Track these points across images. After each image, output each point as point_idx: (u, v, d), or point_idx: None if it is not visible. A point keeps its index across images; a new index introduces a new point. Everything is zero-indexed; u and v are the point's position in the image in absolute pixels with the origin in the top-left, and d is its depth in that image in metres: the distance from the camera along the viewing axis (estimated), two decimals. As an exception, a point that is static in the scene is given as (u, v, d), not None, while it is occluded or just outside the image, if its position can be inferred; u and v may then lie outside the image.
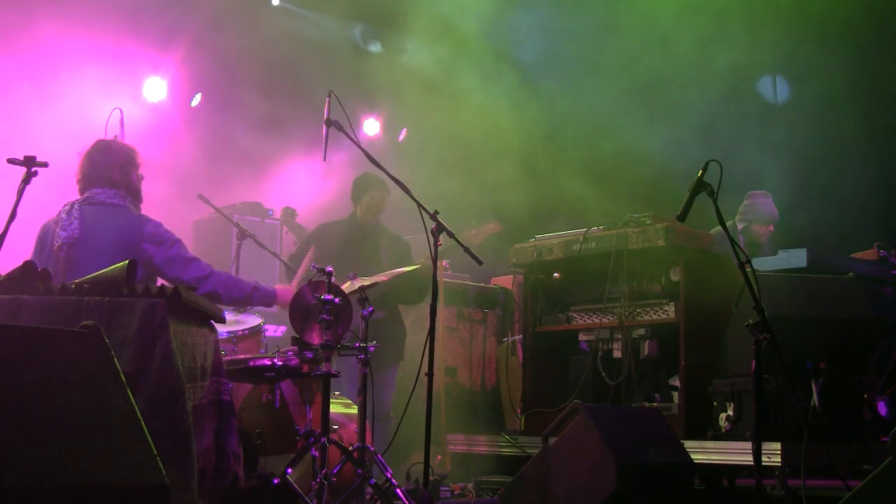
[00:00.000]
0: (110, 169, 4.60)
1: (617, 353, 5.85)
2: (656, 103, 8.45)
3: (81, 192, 4.63)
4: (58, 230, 4.50)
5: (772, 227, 7.10)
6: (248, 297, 4.80)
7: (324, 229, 6.68)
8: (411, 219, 4.90)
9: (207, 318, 3.96)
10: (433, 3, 8.36)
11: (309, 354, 4.69)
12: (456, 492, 5.79)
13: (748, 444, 4.88)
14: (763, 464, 4.07)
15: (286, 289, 5.00)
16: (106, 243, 4.43)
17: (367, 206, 6.55)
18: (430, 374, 4.53)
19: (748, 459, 4.75)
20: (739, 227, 7.09)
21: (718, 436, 5.24)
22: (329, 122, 4.79)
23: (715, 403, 5.32)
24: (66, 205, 4.60)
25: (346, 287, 5.11)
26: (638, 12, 8.24)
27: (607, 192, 7.99)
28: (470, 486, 5.90)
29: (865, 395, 5.39)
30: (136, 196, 4.69)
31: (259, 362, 4.67)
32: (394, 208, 6.60)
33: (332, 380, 4.63)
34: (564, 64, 8.62)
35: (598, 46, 8.27)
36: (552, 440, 4.68)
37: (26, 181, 4.04)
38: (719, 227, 6.41)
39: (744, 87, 8.73)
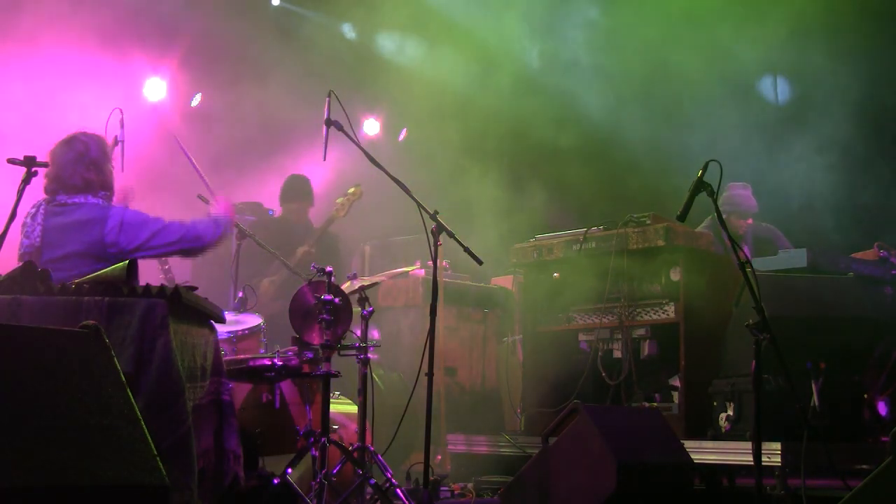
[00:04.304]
0: (86, 170, 4.36)
1: (617, 353, 5.85)
2: (657, 102, 8.45)
3: (50, 192, 4.37)
4: (22, 238, 4.32)
5: (750, 220, 7.04)
6: (214, 224, 4.57)
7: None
8: (411, 219, 4.90)
9: (207, 318, 3.96)
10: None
11: (309, 354, 4.69)
12: (456, 492, 5.79)
13: (748, 444, 4.88)
14: (763, 464, 4.07)
15: (224, 204, 4.88)
16: (67, 250, 4.23)
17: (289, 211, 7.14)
18: (430, 374, 4.53)
19: (748, 459, 4.75)
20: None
21: (718, 436, 5.25)
22: (329, 122, 4.80)
23: (715, 403, 5.32)
24: (32, 207, 4.37)
25: (346, 287, 5.11)
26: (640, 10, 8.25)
27: (608, 191, 8.00)
28: (470, 486, 5.90)
29: (865, 395, 5.39)
30: (108, 189, 4.44)
31: (259, 362, 4.67)
32: (394, 208, 6.62)
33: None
34: (565, 61, 8.61)
35: (598, 44, 8.27)
36: (552, 440, 4.68)
37: (26, 181, 4.04)
38: (707, 221, 6.44)
39: (745, 86, 8.71)
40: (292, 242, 6.68)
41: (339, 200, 6.82)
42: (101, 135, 4.58)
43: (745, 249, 6.96)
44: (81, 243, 4.25)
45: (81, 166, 4.37)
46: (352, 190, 6.82)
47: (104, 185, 4.43)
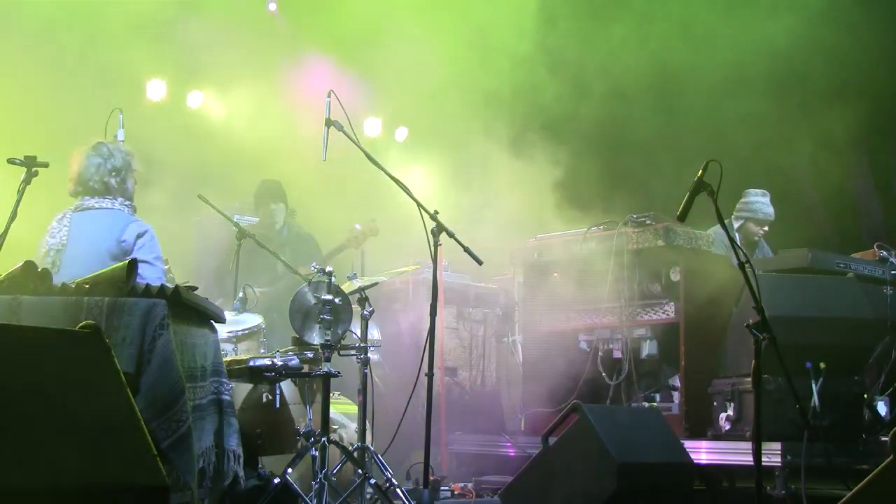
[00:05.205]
0: (107, 175, 4.57)
1: (617, 353, 5.85)
2: (661, 98, 8.44)
3: (73, 195, 4.59)
4: (47, 237, 4.50)
5: (766, 228, 7.06)
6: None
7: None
8: (411, 219, 4.90)
9: (207, 318, 3.96)
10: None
11: (309, 354, 4.69)
12: (456, 492, 5.79)
13: (748, 444, 4.89)
14: (763, 464, 4.06)
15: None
16: (89, 247, 4.40)
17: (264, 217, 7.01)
18: (430, 375, 4.54)
19: (748, 459, 4.75)
20: (735, 224, 7.05)
21: (718, 436, 5.25)
22: (329, 122, 4.80)
23: (715, 403, 5.32)
24: (59, 213, 4.58)
25: (346, 287, 5.11)
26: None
27: (611, 189, 7.99)
28: (470, 486, 5.90)
29: (865, 395, 5.39)
30: (129, 199, 4.66)
31: (259, 362, 4.67)
32: (394, 208, 6.62)
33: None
34: (569, 53, 8.58)
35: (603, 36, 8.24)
36: (552, 440, 4.68)
37: (27, 181, 4.05)
38: (717, 227, 6.43)
39: (744, 82, 8.69)
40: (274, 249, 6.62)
41: (355, 232, 6.77)
42: (129, 149, 4.75)
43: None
44: (104, 241, 4.41)
45: (104, 171, 4.57)
46: (369, 225, 6.79)
47: (124, 195, 4.61)
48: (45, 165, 4.20)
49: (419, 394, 5.27)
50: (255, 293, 6.38)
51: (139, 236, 4.46)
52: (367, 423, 4.94)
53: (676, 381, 5.69)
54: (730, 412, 5.17)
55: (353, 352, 4.87)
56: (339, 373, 4.66)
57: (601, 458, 4.37)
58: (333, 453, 4.66)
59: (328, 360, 4.58)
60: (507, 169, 8.43)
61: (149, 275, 4.37)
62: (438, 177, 8.36)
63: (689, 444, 4.98)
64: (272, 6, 9.27)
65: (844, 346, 5.24)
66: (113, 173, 4.59)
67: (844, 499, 3.51)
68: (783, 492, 4.82)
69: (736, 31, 8.08)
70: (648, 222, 5.75)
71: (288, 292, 6.18)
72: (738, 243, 5.57)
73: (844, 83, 7.96)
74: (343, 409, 5.47)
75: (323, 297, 4.58)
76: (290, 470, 4.45)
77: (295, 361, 4.63)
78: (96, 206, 4.54)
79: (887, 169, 7.97)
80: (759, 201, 6.96)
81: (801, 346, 5.02)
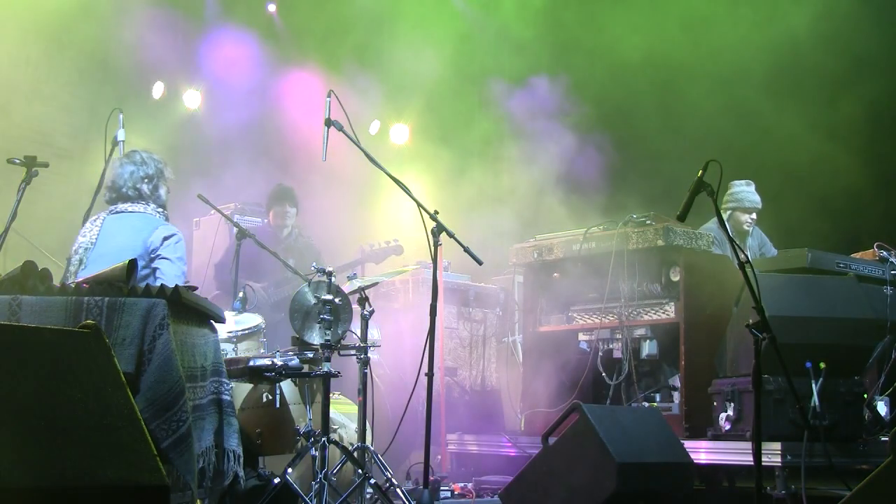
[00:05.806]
0: (140, 182, 4.70)
1: (617, 353, 5.85)
2: (660, 100, 8.43)
3: (108, 201, 4.73)
4: (78, 236, 4.61)
5: (755, 215, 7.07)
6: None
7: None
8: (411, 219, 4.91)
9: (207, 318, 3.96)
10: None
11: (309, 354, 4.69)
12: (456, 492, 5.79)
13: (748, 444, 4.88)
14: (763, 464, 4.06)
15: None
16: (116, 247, 4.49)
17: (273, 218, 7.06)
18: (429, 375, 4.54)
19: (748, 459, 4.75)
20: (724, 216, 7.04)
21: (718, 436, 5.25)
22: (329, 122, 4.80)
23: (715, 403, 5.32)
24: (93, 216, 4.71)
25: (346, 287, 5.11)
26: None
27: (612, 189, 7.99)
28: (470, 486, 5.90)
29: (865, 395, 5.39)
30: (161, 207, 4.79)
31: (259, 362, 4.67)
32: (394, 208, 6.63)
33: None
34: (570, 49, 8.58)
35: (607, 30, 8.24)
36: (552, 440, 4.68)
37: (27, 181, 4.05)
38: (708, 224, 6.44)
39: (743, 81, 8.70)
40: (277, 250, 6.63)
41: (374, 249, 6.82)
42: (161, 158, 4.86)
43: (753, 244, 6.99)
44: (130, 242, 4.51)
45: (136, 178, 4.70)
46: (391, 244, 6.84)
47: (157, 201, 4.74)
48: (46, 165, 4.21)
49: (419, 394, 5.27)
50: (263, 291, 6.40)
51: (165, 238, 4.56)
52: (367, 423, 4.94)
53: (676, 381, 5.69)
54: (730, 412, 5.17)
55: (353, 352, 4.87)
56: (339, 373, 4.66)
57: (601, 458, 4.37)
58: (333, 453, 4.67)
59: (328, 360, 4.58)
60: (507, 166, 8.47)
61: (168, 271, 4.46)
62: (438, 176, 8.37)
63: (689, 444, 4.98)
64: (271, 7, 9.29)
65: (844, 346, 5.24)
66: (145, 180, 4.71)
67: (844, 499, 3.51)
68: (783, 492, 4.82)
69: (739, 24, 8.08)
70: (648, 222, 5.75)
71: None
72: (731, 236, 5.57)
73: (849, 76, 7.95)
74: (343, 409, 5.47)
75: (323, 297, 4.58)
76: (290, 470, 4.45)
77: (295, 361, 4.63)
78: (129, 209, 4.66)
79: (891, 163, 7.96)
80: (745, 190, 6.99)
81: (801, 346, 5.02)
